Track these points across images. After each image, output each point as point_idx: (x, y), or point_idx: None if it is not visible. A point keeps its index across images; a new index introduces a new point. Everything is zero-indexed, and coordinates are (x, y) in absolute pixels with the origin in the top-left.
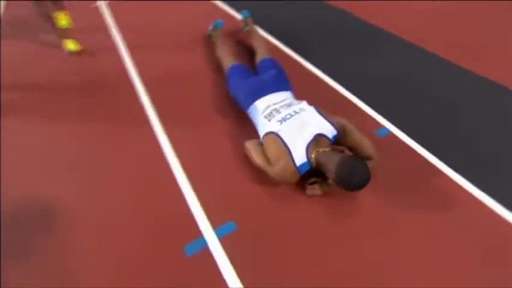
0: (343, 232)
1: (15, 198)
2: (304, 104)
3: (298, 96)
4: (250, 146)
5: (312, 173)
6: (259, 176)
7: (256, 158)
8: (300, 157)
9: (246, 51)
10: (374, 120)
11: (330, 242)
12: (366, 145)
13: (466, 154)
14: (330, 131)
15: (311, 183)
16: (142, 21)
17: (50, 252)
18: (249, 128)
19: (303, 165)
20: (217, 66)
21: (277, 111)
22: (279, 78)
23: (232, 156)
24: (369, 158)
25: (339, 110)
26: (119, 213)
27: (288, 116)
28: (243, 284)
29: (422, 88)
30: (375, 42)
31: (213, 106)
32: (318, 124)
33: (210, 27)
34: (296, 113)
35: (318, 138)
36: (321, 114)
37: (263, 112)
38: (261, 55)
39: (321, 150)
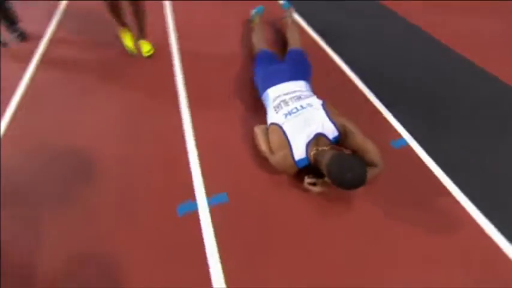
0: (327, 229)
1: (55, 149)
2: (313, 99)
3: (320, 91)
4: (258, 131)
5: (311, 169)
6: (262, 160)
7: (261, 143)
8: (299, 153)
9: (281, 40)
10: (393, 129)
11: (312, 235)
12: (370, 150)
13: (487, 186)
14: (331, 131)
15: (309, 183)
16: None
17: (79, 194)
18: (262, 113)
19: (301, 160)
20: (250, 52)
21: (286, 103)
22: (297, 68)
23: (241, 137)
24: (372, 164)
25: (359, 113)
26: (136, 165)
27: (294, 111)
28: (219, 253)
29: (462, 107)
30: (422, 50)
31: (237, 89)
32: (321, 123)
33: (252, 12)
34: (303, 108)
35: (319, 137)
36: (326, 112)
37: (273, 102)
38: (291, 46)
39: (320, 148)
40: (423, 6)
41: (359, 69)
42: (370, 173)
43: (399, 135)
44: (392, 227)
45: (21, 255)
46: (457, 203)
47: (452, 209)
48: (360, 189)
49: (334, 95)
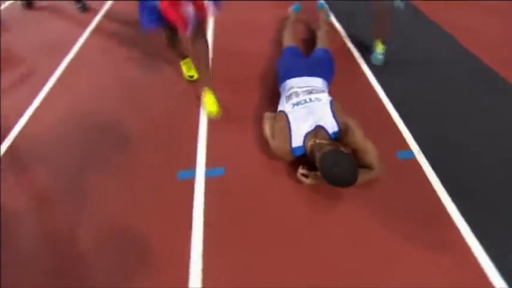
0: (313, 223)
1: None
2: (323, 94)
3: (338, 91)
4: (266, 116)
5: (307, 161)
6: (266, 145)
7: (267, 128)
8: (297, 140)
9: (312, 39)
10: (402, 139)
11: (298, 226)
12: (369, 151)
13: (492, 217)
14: (331, 126)
15: (302, 174)
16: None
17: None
18: (276, 103)
19: (297, 148)
20: (280, 47)
21: (297, 94)
22: (318, 65)
23: (252, 121)
24: (369, 166)
25: (372, 118)
26: (150, 127)
27: (302, 102)
28: (204, 224)
29: (480, 133)
30: (455, 69)
31: (258, 79)
32: (323, 117)
33: (290, 9)
34: (311, 101)
35: (318, 130)
36: (331, 109)
37: (287, 92)
38: (319, 44)
39: (318, 141)
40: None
41: (380, 76)
42: (365, 174)
43: (408, 147)
44: (380, 234)
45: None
46: (456, 228)
47: (446, 229)
48: (354, 190)
49: (350, 95)
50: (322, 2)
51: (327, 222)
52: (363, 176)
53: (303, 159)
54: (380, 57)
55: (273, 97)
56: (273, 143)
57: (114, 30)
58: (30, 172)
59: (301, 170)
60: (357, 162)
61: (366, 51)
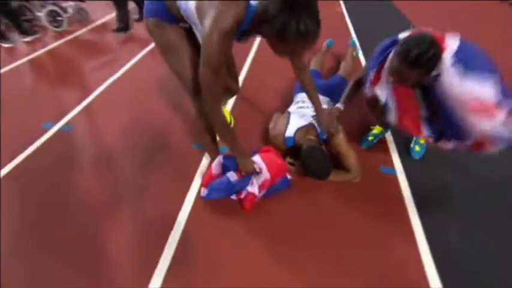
0: (281, 214)
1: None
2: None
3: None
4: (275, 115)
5: (296, 152)
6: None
7: (271, 121)
8: (290, 131)
9: (336, 68)
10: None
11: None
12: (350, 157)
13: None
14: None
15: (289, 162)
16: None
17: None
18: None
19: (288, 138)
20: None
21: (304, 102)
22: (330, 87)
23: (264, 118)
24: (349, 169)
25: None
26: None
27: (305, 107)
28: (195, 198)
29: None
30: None
31: (280, 92)
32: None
33: (324, 43)
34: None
35: (310, 127)
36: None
37: (296, 99)
38: (339, 72)
39: (306, 136)
40: None
41: None
42: (343, 175)
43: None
44: (334, 237)
45: None
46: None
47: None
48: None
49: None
50: (354, 40)
51: (286, 223)
52: (341, 176)
53: (293, 149)
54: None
55: (287, 104)
56: (271, 132)
57: None
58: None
59: (288, 159)
60: (339, 163)
61: None
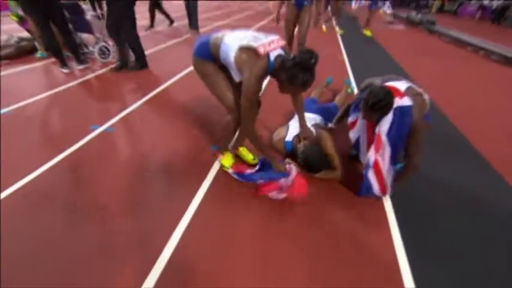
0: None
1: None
2: (320, 120)
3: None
4: (278, 128)
5: (295, 156)
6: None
7: (274, 133)
8: (289, 137)
9: (332, 100)
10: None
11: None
12: (334, 157)
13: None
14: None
15: (288, 162)
16: None
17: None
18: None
19: (288, 142)
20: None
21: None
22: (325, 110)
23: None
24: (335, 169)
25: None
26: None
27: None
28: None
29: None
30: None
31: (284, 109)
32: (312, 128)
33: (324, 81)
34: (309, 119)
35: None
36: (320, 127)
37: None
38: (334, 101)
39: (302, 142)
40: None
41: None
42: (329, 173)
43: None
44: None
45: None
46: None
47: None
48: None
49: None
50: (350, 80)
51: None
52: (329, 174)
53: (292, 154)
54: None
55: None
56: (275, 138)
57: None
58: None
59: (287, 159)
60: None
61: None
